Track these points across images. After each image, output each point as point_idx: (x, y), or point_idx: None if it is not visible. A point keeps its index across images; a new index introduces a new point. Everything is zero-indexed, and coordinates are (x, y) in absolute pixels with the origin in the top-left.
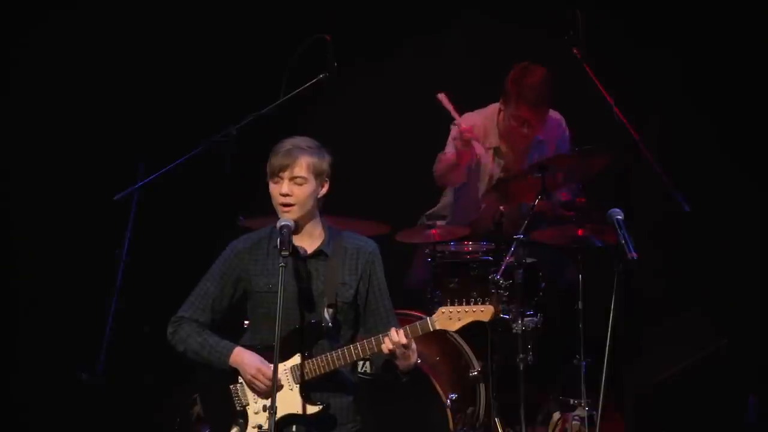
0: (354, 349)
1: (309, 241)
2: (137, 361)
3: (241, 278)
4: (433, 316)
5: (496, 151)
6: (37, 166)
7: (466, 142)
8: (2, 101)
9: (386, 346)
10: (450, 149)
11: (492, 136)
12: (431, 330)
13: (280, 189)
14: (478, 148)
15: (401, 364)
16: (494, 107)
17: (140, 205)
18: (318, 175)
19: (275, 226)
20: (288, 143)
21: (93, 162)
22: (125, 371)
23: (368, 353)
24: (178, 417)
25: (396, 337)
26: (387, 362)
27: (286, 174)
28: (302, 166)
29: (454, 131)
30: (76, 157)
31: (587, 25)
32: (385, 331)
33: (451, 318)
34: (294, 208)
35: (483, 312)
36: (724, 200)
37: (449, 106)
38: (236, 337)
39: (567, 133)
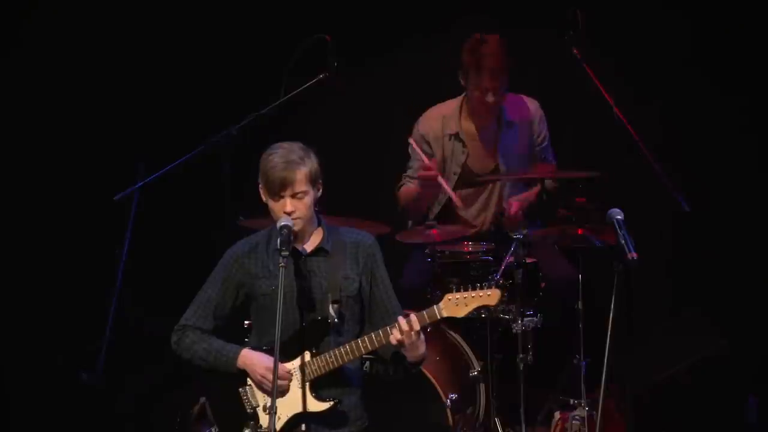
0: (362, 343)
1: (308, 240)
2: (137, 361)
3: (242, 283)
4: (440, 303)
5: (457, 138)
6: (37, 166)
7: (427, 182)
8: (1, 101)
9: (395, 336)
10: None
11: (453, 122)
12: (438, 318)
13: (284, 207)
14: (444, 183)
15: (410, 355)
16: (461, 98)
17: (140, 205)
18: (314, 181)
19: (274, 227)
20: (279, 159)
21: (93, 162)
22: (125, 371)
23: (377, 345)
24: (178, 417)
25: (405, 326)
26: (396, 354)
27: (288, 192)
28: (301, 180)
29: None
30: (76, 157)
31: (587, 23)
32: (392, 323)
33: (457, 304)
34: (299, 221)
35: (490, 296)
36: (724, 200)
37: (419, 151)
38: (237, 338)
39: (539, 115)
